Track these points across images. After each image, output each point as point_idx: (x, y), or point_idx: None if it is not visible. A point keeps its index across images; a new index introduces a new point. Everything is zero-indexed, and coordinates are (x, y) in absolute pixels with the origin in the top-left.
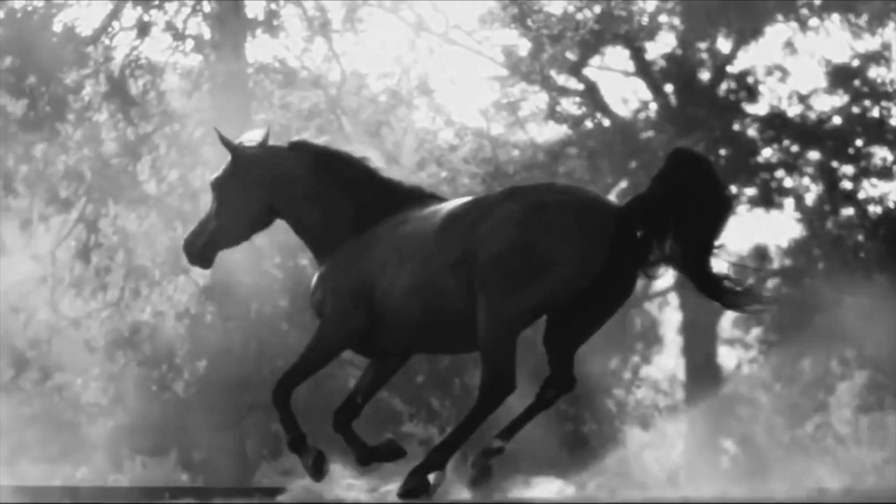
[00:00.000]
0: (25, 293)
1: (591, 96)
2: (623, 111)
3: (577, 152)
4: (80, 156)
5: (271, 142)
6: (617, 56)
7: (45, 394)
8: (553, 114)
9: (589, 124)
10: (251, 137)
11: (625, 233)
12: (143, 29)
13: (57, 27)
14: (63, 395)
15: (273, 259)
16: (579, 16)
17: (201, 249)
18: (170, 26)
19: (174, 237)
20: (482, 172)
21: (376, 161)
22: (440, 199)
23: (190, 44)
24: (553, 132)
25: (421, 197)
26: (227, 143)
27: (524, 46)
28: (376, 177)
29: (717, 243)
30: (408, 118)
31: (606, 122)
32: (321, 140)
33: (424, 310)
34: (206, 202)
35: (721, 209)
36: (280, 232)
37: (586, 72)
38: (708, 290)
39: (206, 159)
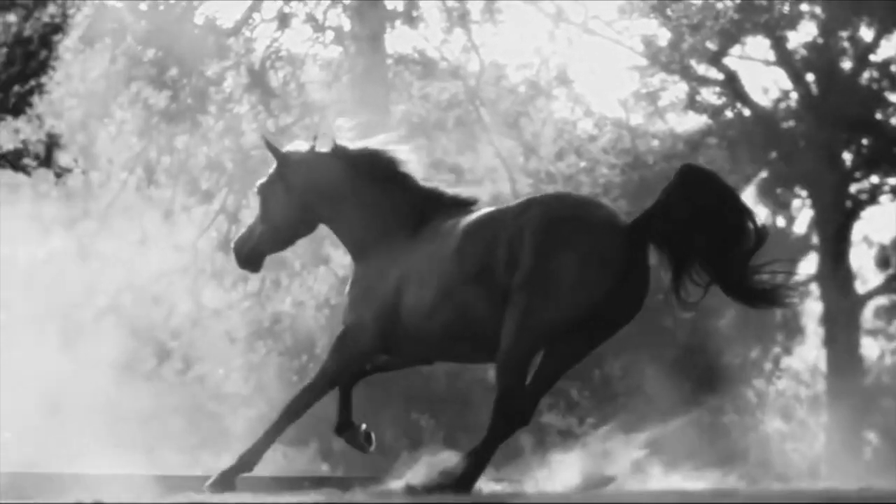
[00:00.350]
0: (168, 284)
1: (731, 86)
2: (763, 101)
3: (717, 142)
4: (221, 147)
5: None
6: (757, 45)
7: (186, 384)
8: (692, 103)
9: (729, 114)
10: (299, 146)
11: (635, 249)
12: (283, 21)
13: (198, 20)
14: (204, 384)
15: None
16: (719, 5)
17: (249, 253)
18: (310, 18)
19: None
20: (621, 163)
21: (416, 165)
22: (471, 209)
23: (330, 35)
24: (692, 122)
25: (455, 205)
26: (272, 149)
27: (664, 36)
28: (412, 185)
29: (739, 254)
30: (547, 109)
31: (746, 112)
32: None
33: (444, 325)
34: None
35: (729, 226)
36: None
37: (726, 61)
38: (738, 297)
39: None
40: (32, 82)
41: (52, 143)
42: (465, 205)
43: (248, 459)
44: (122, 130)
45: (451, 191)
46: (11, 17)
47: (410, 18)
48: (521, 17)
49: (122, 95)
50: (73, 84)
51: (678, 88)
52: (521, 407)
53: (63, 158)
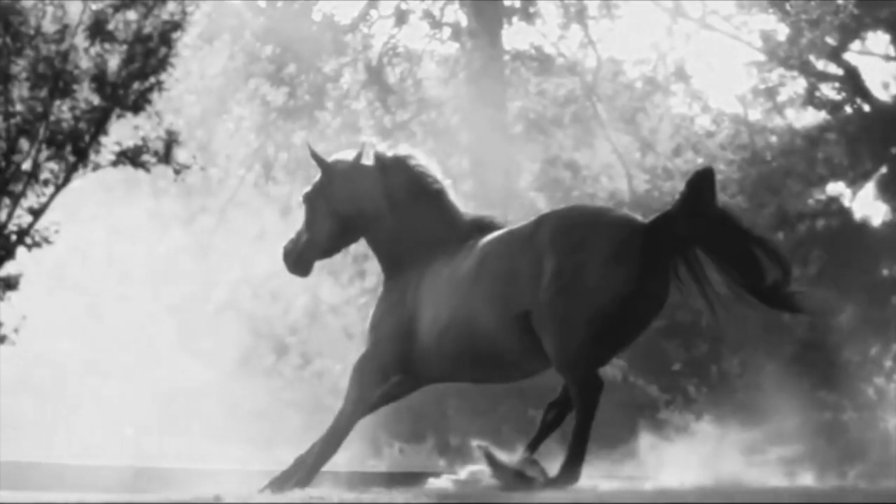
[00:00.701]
0: (286, 280)
1: (851, 81)
2: (884, 96)
3: (836, 138)
4: (338, 143)
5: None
6: (877, 40)
7: (304, 379)
8: (811, 99)
9: (848, 109)
10: (345, 156)
11: (652, 246)
12: (400, 17)
13: (316, 16)
14: (322, 380)
15: None
16: (839, 0)
17: (296, 260)
18: (427, 14)
19: None
20: (739, 159)
21: (455, 189)
22: (496, 228)
23: (447, 32)
24: (811, 118)
25: (479, 229)
26: (317, 160)
27: (783, 31)
28: (445, 206)
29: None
30: (664, 104)
31: (866, 108)
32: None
33: (460, 343)
34: (463, 189)
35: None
36: (534, 217)
37: (846, 56)
38: (758, 297)
39: (463, 146)
40: (152, 79)
41: (171, 139)
42: (490, 227)
43: (303, 482)
44: (241, 127)
45: (476, 214)
46: (131, 15)
47: (527, 15)
48: (638, 12)
49: (240, 92)
50: (192, 81)
51: (797, 84)
52: (597, 390)
53: (182, 155)
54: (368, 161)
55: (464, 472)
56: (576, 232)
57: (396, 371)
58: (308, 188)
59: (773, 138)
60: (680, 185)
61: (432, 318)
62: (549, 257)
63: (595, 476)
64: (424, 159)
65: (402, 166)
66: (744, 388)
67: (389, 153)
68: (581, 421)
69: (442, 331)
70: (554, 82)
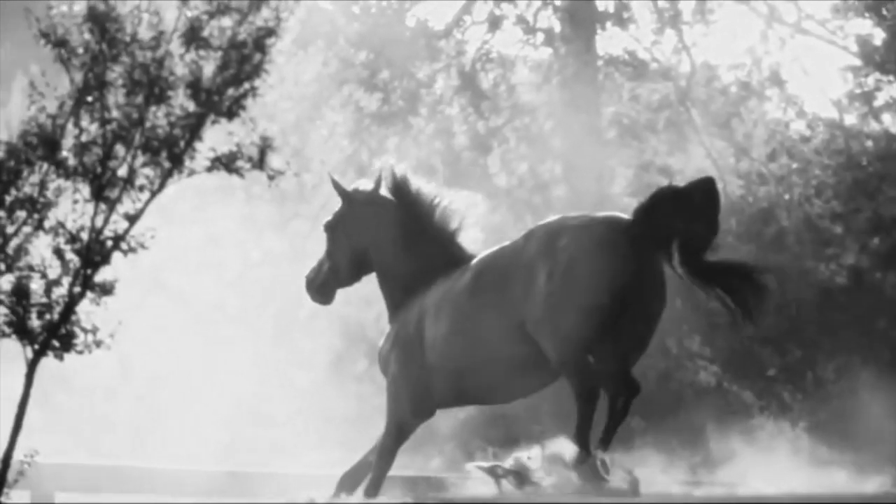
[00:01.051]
0: (378, 285)
1: None
2: None
3: None
4: (431, 149)
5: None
6: None
7: None
8: None
9: None
10: (364, 184)
11: (639, 241)
12: (494, 23)
13: (410, 22)
14: None
15: None
16: None
17: (318, 288)
18: (521, 20)
19: (523, 229)
20: (834, 164)
21: (465, 219)
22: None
23: (540, 37)
24: None
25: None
26: (339, 189)
27: (879, 35)
28: (447, 240)
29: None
30: (759, 109)
31: None
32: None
33: (464, 355)
34: (556, 195)
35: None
36: None
37: None
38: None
39: (556, 152)
40: (246, 85)
41: (265, 145)
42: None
43: (371, 494)
44: (334, 133)
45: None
46: (226, 22)
47: (621, 20)
48: (733, 17)
49: (334, 98)
50: (286, 87)
51: (893, 88)
52: (595, 395)
53: (276, 161)
54: (385, 190)
55: (510, 460)
56: (563, 236)
57: (426, 393)
58: (329, 217)
59: (869, 143)
60: (775, 191)
61: (433, 338)
62: (539, 264)
63: (689, 482)
64: (435, 190)
65: (409, 195)
66: (839, 395)
67: (397, 176)
68: (580, 420)
69: (443, 345)
70: (648, 87)
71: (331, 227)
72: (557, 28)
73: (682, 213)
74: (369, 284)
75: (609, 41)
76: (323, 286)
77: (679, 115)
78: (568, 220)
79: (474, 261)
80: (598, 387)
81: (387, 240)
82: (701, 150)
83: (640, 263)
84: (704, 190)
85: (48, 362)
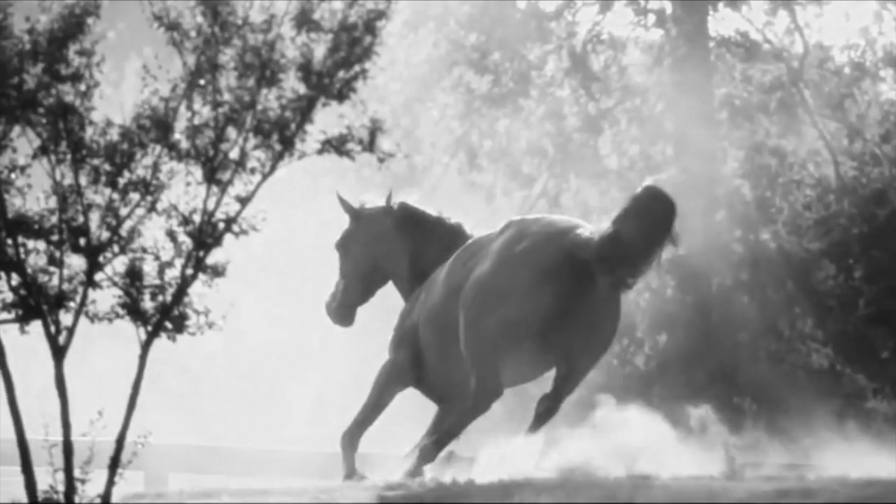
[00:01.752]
0: None
1: None
2: None
3: None
4: (542, 131)
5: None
6: None
7: None
8: None
9: None
10: (372, 199)
11: (579, 264)
12: (605, 4)
13: (521, 4)
14: None
15: (733, 233)
16: None
17: (336, 310)
18: (632, 1)
19: None
20: None
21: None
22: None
23: (652, 18)
24: None
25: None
26: (346, 207)
27: None
28: (444, 227)
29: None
30: (872, 90)
31: None
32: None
33: (438, 336)
34: (667, 177)
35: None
36: (739, 205)
37: None
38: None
39: (668, 134)
40: (357, 68)
41: (376, 127)
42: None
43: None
44: (445, 115)
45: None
46: (337, 4)
47: (733, 1)
48: None
49: (444, 80)
50: (396, 69)
51: None
52: (493, 395)
53: (386, 143)
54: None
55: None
56: (517, 241)
57: (407, 373)
58: (338, 236)
59: None
60: (888, 172)
61: (418, 318)
62: (486, 262)
63: (801, 466)
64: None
65: (412, 207)
66: None
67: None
68: (454, 421)
69: (424, 325)
70: (760, 68)
71: (341, 245)
72: (669, 9)
73: (643, 241)
74: None
75: (721, 22)
76: (340, 307)
77: (791, 97)
78: (530, 228)
79: (458, 250)
80: (491, 402)
81: (388, 243)
82: (813, 132)
83: (580, 288)
84: (662, 213)
85: (160, 343)
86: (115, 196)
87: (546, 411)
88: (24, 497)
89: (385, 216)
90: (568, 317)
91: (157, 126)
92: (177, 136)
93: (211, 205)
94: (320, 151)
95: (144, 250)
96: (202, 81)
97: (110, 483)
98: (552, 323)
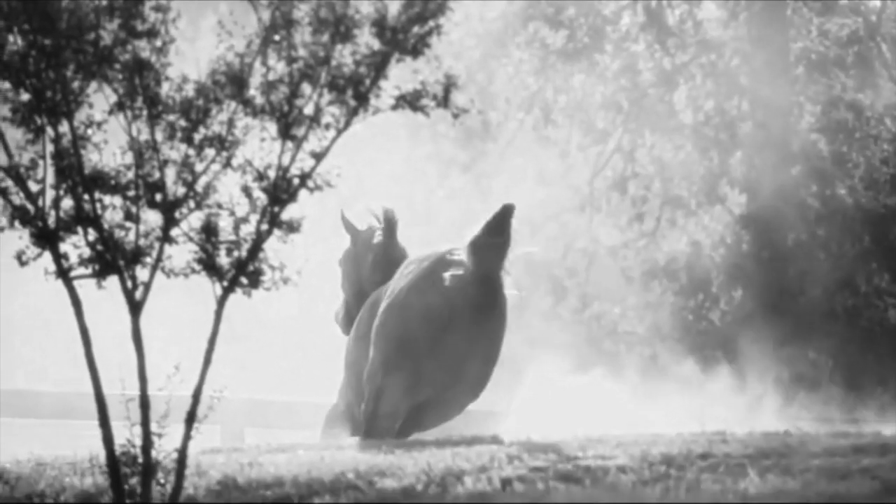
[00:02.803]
0: (564, 223)
1: None
2: None
3: None
4: (617, 86)
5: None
6: None
7: (582, 322)
8: None
9: None
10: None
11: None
12: None
13: None
14: (601, 323)
15: (809, 188)
16: None
17: (343, 321)
18: None
19: (710, 167)
20: None
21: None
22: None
23: None
24: None
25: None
26: (346, 225)
27: None
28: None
29: None
30: None
31: None
32: None
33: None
34: (743, 132)
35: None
36: (815, 161)
37: None
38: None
39: (743, 89)
40: (431, 23)
41: (450, 83)
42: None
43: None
44: (520, 70)
45: None
46: None
47: None
48: None
49: (519, 35)
50: (471, 24)
51: None
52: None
53: (460, 99)
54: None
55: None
56: (413, 278)
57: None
58: (341, 254)
59: None
60: None
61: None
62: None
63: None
64: None
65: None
66: None
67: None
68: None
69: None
70: (836, 22)
71: (340, 263)
72: None
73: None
74: (555, 223)
75: None
76: (345, 319)
77: (868, 51)
78: (422, 265)
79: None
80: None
81: (388, 266)
82: (890, 86)
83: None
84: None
85: (236, 298)
86: (191, 152)
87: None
88: (101, 451)
89: (384, 238)
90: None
91: (232, 82)
92: (252, 91)
93: (286, 160)
94: (394, 107)
95: (220, 206)
96: (277, 37)
97: (187, 437)
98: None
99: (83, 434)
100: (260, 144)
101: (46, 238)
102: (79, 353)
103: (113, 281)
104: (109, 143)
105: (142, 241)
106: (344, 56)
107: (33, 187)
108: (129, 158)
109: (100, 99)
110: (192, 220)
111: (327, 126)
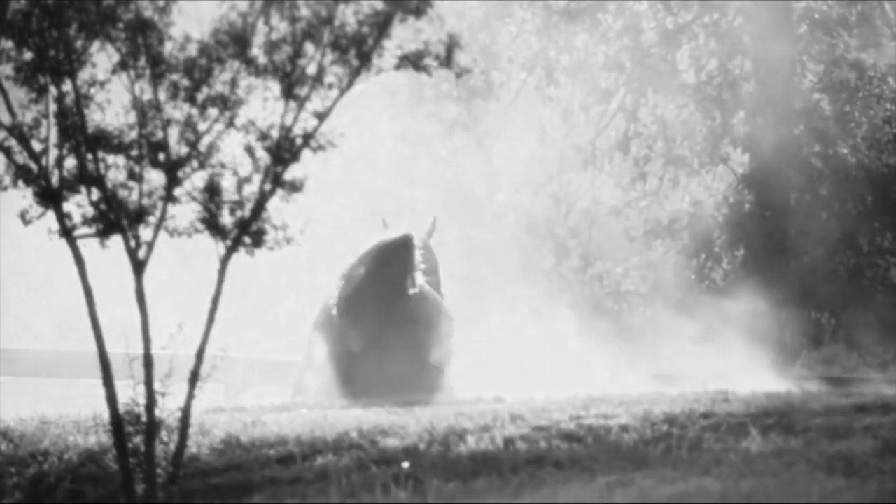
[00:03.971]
0: (566, 182)
1: None
2: None
3: None
4: (620, 45)
5: None
6: None
7: (585, 282)
8: None
9: None
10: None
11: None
12: None
13: None
14: (603, 283)
15: (812, 147)
16: None
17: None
18: None
19: (712, 126)
20: None
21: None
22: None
23: None
24: None
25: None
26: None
27: None
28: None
29: None
30: None
31: None
32: None
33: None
34: (745, 91)
35: None
36: (817, 120)
37: None
38: None
39: (746, 48)
40: None
41: (453, 43)
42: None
43: None
44: (522, 30)
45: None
46: None
47: None
48: None
49: None
50: None
51: None
52: None
53: (463, 58)
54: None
55: None
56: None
57: None
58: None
59: None
60: None
61: None
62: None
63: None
64: None
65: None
66: None
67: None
68: None
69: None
70: None
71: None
72: None
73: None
74: (557, 181)
75: None
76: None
77: (872, 10)
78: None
79: None
80: None
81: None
82: (894, 45)
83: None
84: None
85: (239, 258)
86: (194, 111)
87: None
88: (105, 409)
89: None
90: None
91: (235, 41)
92: (255, 51)
93: (289, 120)
94: (398, 67)
95: (223, 165)
96: None
97: (190, 396)
98: None
99: (87, 393)
100: (263, 104)
101: (50, 197)
102: (69, 312)
103: (116, 240)
104: (112, 102)
105: (145, 201)
106: (347, 16)
107: (37, 146)
108: (132, 118)
109: (103, 58)
110: (196, 180)
111: (330, 86)
